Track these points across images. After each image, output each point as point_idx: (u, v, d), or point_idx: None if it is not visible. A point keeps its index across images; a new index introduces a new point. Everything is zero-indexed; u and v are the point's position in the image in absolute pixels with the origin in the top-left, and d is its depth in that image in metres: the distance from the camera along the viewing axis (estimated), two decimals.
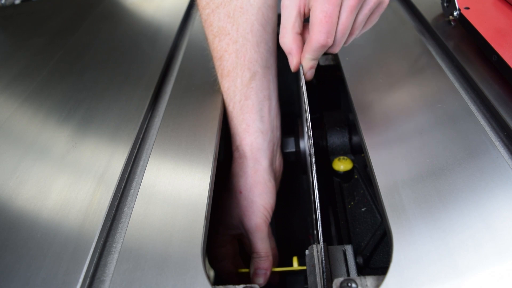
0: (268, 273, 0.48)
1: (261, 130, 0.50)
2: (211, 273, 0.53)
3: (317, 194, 0.39)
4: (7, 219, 0.39)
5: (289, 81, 0.73)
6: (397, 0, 0.74)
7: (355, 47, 0.62)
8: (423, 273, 0.31)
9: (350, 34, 0.42)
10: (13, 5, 1.02)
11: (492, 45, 0.50)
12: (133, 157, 0.47)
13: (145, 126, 0.52)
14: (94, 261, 0.35)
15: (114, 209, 0.40)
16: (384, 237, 0.49)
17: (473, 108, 0.47)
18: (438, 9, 0.65)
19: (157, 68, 0.61)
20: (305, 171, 0.61)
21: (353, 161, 0.58)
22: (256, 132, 0.50)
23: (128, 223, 0.38)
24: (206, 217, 0.37)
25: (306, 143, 0.59)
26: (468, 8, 0.58)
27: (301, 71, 0.44)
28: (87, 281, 0.34)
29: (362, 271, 0.46)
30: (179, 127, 0.49)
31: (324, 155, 0.61)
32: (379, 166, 0.40)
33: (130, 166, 0.45)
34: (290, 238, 0.69)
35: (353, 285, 0.32)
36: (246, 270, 0.51)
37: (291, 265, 0.50)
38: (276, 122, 0.54)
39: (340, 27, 0.40)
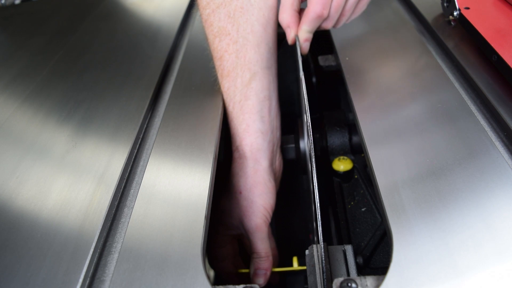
0: (268, 273, 0.48)
1: (261, 131, 0.50)
2: (211, 273, 0.53)
3: (317, 194, 0.39)
4: (7, 219, 0.39)
5: (289, 81, 0.73)
6: (397, 0, 0.74)
7: (355, 47, 0.62)
8: (423, 273, 0.31)
9: (342, 15, 0.49)
10: (13, 5, 1.02)
11: (492, 45, 0.50)
12: (133, 157, 0.47)
13: (145, 126, 0.52)
14: (94, 261, 0.35)
15: (114, 209, 0.40)
16: (384, 237, 0.49)
17: (473, 108, 0.47)
18: (438, 9, 0.65)
19: (157, 68, 0.61)
20: (305, 171, 0.61)
21: (353, 161, 0.58)
22: (256, 132, 0.50)
23: (128, 223, 0.38)
24: (206, 217, 0.37)
25: (306, 143, 0.59)
26: (468, 8, 0.58)
27: (298, 43, 0.49)
28: (87, 281, 0.34)
29: (362, 271, 0.46)
30: (179, 127, 0.49)
31: (324, 155, 0.61)
32: (379, 166, 0.40)
33: (130, 166, 0.45)
34: (290, 238, 0.69)
35: (353, 285, 0.32)
36: (246, 270, 0.51)
37: (291, 265, 0.50)
38: (276, 123, 0.54)
39: (334, 2, 0.46)
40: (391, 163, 0.40)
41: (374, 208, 0.52)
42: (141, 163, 0.46)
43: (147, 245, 0.36)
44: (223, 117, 0.51)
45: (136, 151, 0.48)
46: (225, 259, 0.52)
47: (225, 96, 0.52)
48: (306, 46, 0.50)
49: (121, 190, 0.42)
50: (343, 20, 0.50)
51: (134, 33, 0.75)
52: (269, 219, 0.50)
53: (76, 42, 0.74)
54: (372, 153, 0.42)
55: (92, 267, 0.35)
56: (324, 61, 0.69)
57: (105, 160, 0.45)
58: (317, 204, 0.38)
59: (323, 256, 0.37)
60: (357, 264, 0.41)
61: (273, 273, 0.50)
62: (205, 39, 0.53)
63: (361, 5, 0.50)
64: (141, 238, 0.36)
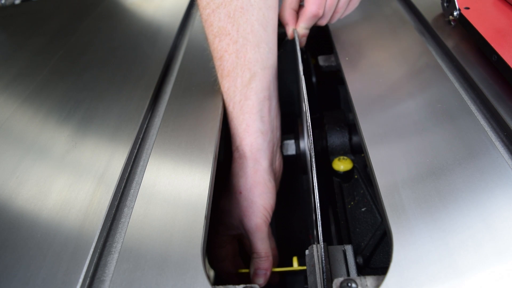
0: (268, 273, 0.48)
1: (261, 131, 0.50)
2: (211, 273, 0.53)
3: (317, 194, 0.39)
4: (7, 219, 0.39)
5: (289, 81, 0.72)
6: (397, 0, 0.74)
7: (355, 47, 0.62)
8: (423, 273, 0.31)
9: (335, 12, 0.57)
10: (13, 5, 1.02)
11: (492, 45, 0.50)
12: (133, 157, 0.47)
13: (145, 126, 0.52)
14: (94, 261, 0.35)
15: (114, 209, 0.40)
16: (384, 237, 0.49)
17: (473, 108, 0.47)
18: (438, 9, 0.65)
19: (157, 68, 0.61)
20: (305, 171, 0.61)
21: (353, 161, 0.58)
22: (256, 132, 0.50)
23: (128, 223, 0.38)
24: (206, 217, 0.37)
25: (306, 143, 0.59)
26: (468, 8, 0.59)
27: (296, 37, 0.58)
28: (87, 281, 0.34)
29: (362, 271, 0.46)
30: (179, 127, 0.49)
31: (324, 155, 0.61)
32: (379, 166, 0.40)
33: (130, 166, 0.45)
34: (290, 238, 0.69)
35: (353, 285, 0.32)
36: (246, 270, 0.51)
37: (291, 265, 0.50)
38: (276, 123, 0.54)
39: (328, 2, 0.54)
40: (391, 163, 0.40)
41: (374, 208, 0.52)
42: (141, 163, 0.46)
43: (147, 245, 0.36)
44: (223, 117, 0.51)
45: (136, 151, 0.48)
46: (225, 259, 0.52)
47: (225, 96, 0.52)
48: (304, 41, 0.60)
49: (121, 190, 0.42)
50: (337, 16, 0.58)
51: (134, 33, 0.75)
52: (269, 219, 0.50)
53: (76, 42, 0.74)
54: (372, 153, 0.42)
55: (92, 267, 0.35)
56: (324, 61, 0.69)
57: (105, 160, 0.45)
58: (317, 204, 0.38)
59: (323, 256, 0.37)
60: (357, 264, 0.41)
61: (273, 273, 0.50)
62: (205, 39, 0.53)
63: (353, 3, 0.58)
64: (141, 238, 0.36)
